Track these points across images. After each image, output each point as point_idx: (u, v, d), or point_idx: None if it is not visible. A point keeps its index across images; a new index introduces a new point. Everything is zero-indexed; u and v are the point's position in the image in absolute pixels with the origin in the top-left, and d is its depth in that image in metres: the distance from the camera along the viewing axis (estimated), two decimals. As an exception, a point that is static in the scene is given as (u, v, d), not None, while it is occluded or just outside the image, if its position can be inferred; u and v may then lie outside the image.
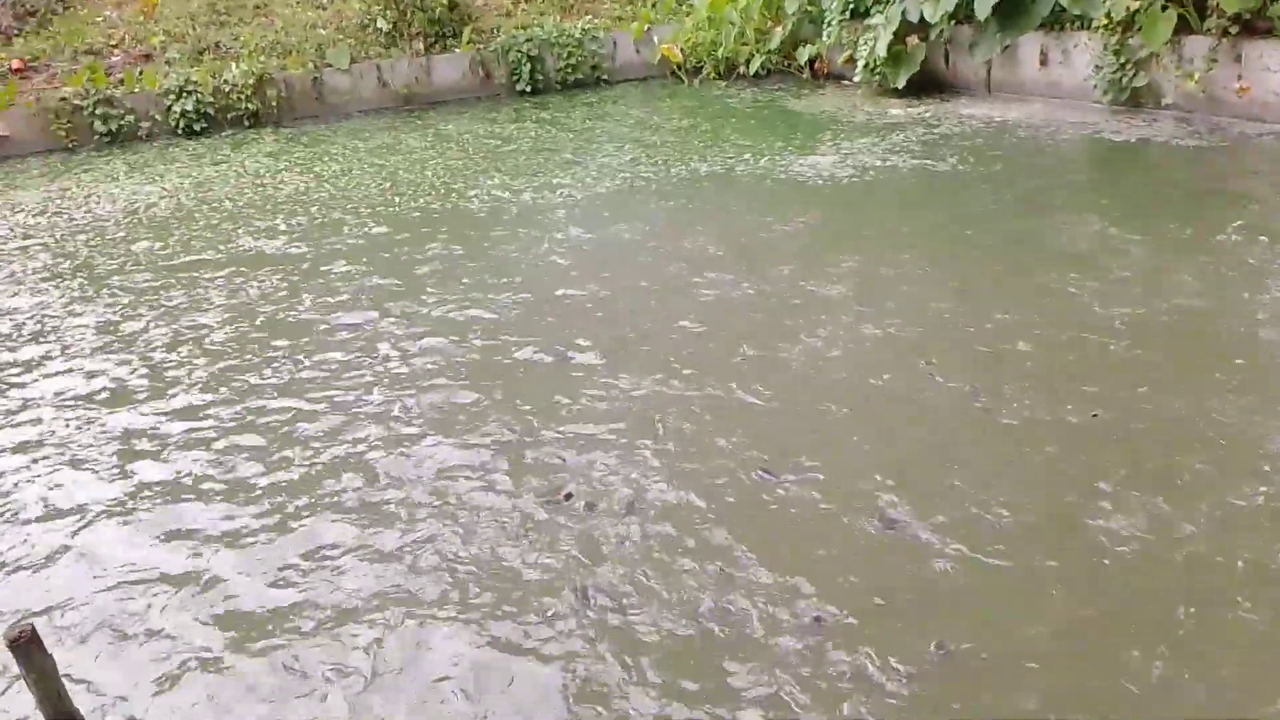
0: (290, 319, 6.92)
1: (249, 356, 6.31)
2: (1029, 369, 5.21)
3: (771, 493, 4.26)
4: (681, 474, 4.46)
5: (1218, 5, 9.63)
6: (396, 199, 10.14)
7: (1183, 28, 10.00)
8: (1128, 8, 10.29)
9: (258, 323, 6.91)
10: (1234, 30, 9.60)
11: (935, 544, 3.81)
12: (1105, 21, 10.65)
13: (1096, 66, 10.97)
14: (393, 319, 6.73)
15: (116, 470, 5.01)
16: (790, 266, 7.03)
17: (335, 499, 4.54)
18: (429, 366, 5.91)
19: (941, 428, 4.71)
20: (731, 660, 3.32)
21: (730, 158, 10.66)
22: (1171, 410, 4.65)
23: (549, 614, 3.64)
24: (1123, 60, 10.63)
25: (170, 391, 5.88)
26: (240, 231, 9.37)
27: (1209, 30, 9.81)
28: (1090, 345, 5.40)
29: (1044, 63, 11.78)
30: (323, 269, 8.00)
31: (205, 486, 4.76)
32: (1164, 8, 9.97)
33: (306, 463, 4.90)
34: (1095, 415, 4.65)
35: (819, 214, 8.39)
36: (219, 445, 5.17)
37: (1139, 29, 10.31)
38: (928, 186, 9.00)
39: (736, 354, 5.68)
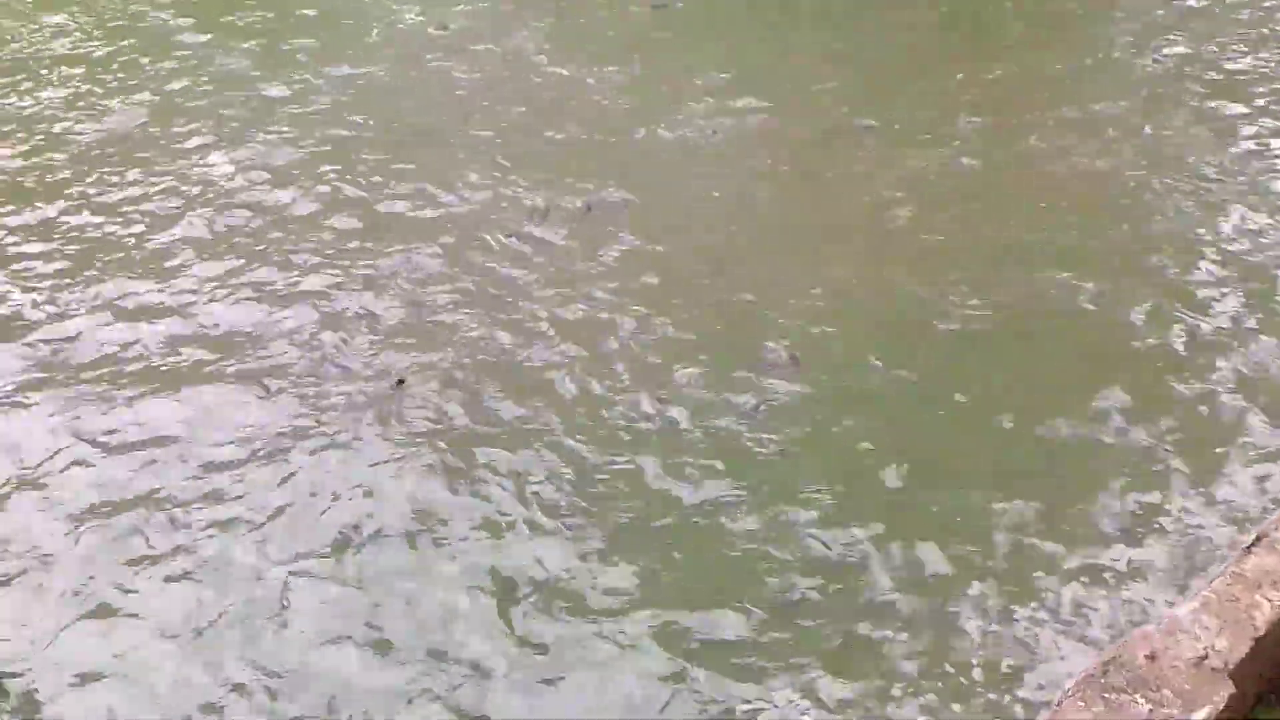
0: (96, 128, 6.31)
1: (50, 165, 5.79)
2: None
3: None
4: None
5: None
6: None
7: None
8: None
9: (55, 129, 6.30)
10: None
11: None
12: None
13: None
14: (203, 116, 6.26)
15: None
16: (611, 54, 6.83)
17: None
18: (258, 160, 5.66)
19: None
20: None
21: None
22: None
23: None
24: None
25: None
26: (23, 30, 8.27)
27: None
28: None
29: None
30: (128, 72, 7.23)
31: None
32: None
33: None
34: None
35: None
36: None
37: None
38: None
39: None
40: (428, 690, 2.84)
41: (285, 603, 3.11)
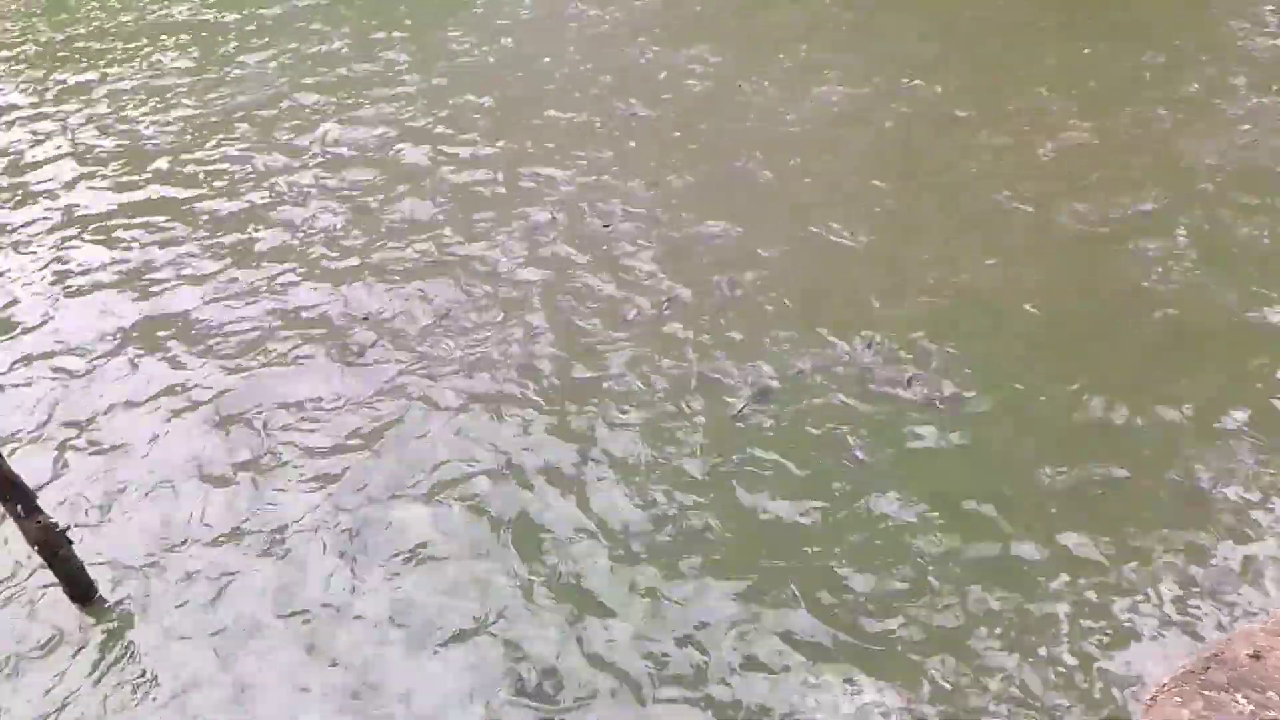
0: (212, 94, 6.53)
1: (167, 130, 6.01)
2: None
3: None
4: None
5: None
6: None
7: None
8: None
9: (170, 97, 6.55)
10: None
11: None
12: None
13: None
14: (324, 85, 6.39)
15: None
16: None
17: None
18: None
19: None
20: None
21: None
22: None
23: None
24: None
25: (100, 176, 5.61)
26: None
27: None
28: None
29: None
30: (242, 40, 7.45)
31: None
32: None
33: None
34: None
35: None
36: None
37: None
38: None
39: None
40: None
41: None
